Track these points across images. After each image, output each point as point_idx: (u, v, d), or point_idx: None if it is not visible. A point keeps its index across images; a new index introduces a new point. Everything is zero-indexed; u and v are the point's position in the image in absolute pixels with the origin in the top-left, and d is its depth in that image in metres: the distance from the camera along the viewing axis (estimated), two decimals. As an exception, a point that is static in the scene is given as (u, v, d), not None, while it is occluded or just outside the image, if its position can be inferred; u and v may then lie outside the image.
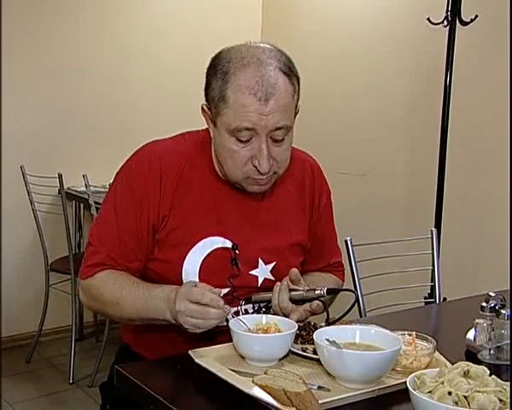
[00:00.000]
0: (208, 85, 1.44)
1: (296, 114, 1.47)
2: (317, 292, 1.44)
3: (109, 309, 1.49)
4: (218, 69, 1.40)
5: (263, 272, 1.54)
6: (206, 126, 1.54)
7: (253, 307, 1.55)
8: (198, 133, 1.57)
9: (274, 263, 1.55)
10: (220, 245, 1.50)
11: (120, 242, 1.48)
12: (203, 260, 1.48)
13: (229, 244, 1.50)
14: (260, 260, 1.53)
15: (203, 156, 1.53)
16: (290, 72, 1.41)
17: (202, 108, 1.48)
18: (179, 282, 1.46)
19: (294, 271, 1.47)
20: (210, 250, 1.49)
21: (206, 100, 1.46)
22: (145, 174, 1.48)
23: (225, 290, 1.49)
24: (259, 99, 1.36)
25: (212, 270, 1.48)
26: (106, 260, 1.47)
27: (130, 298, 1.43)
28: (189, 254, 1.48)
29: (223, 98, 1.39)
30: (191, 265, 1.48)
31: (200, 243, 1.48)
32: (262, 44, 1.44)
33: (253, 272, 1.53)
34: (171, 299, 1.35)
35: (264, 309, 1.54)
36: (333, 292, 1.48)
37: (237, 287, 1.51)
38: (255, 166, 1.41)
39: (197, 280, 1.46)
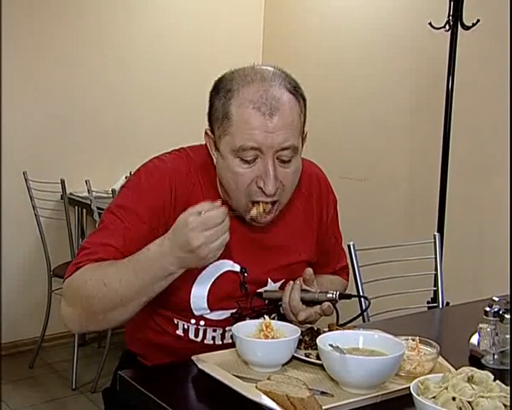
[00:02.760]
0: (211, 107, 1.40)
1: (304, 139, 1.42)
2: (328, 295, 1.43)
3: (94, 298, 1.28)
4: (220, 88, 1.37)
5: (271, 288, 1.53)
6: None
7: (264, 302, 1.52)
8: (202, 150, 1.49)
9: (283, 281, 1.53)
10: (229, 268, 1.47)
11: (120, 251, 1.36)
12: (212, 284, 1.46)
13: (237, 268, 1.47)
14: (269, 280, 1.52)
15: (209, 179, 1.47)
16: (295, 91, 1.37)
17: (206, 133, 1.43)
18: (187, 306, 1.45)
19: (309, 270, 1.45)
20: (219, 274, 1.46)
21: (210, 124, 1.42)
22: (155, 190, 1.40)
23: (233, 310, 1.48)
24: (264, 114, 1.31)
25: (221, 294, 1.46)
26: (99, 260, 1.34)
27: (117, 272, 1.28)
28: (198, 278, 1.44)
29: (226, 116, 1.34)
30: (200, 289, 1.45)
31: (209, 267, 1.43)
32: (266, 66, 1.40)
33: (261, 290, 1.51)
34: (170, 251, 1.23)
35: (273, 305, 1.53)
36: (345, 297, 1.47)
37: (246, 308, 1.50)
38: (260, 188, 1.36)
39: (206, 306, 1.45)
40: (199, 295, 1.45)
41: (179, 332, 1.50)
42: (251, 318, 1.49)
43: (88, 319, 1.34)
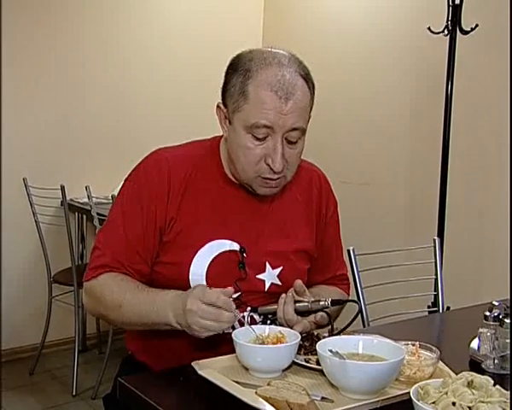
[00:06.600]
0: (227, 83, 1.46)
1: (308, 120, 1.49)
2: (321, 303, 1.44)
3: (111, 313, 1.48)
4: (239, 67, 1.44)
5: (270, 276, 1.55)
6: (212, 136, 1.57)
7: (259, 316, 1.54)
8: (206, 141, 1.60)
9: (281, 268, 1.55)
10: (227, 248, 1.51)
11: (126, 244, 1.49)
12: (210, 263, 1.49)
13: (236, 247, 1.51)
14: (267, 265, 1.54)
15: (212, 160, 1.55)
16: (308, 78, 1.46)
17: (218, 106, 1.50)
18: (187, 285, 1.46)
19: (299, 282, 1.47)
20: (217, 253, 1.50)
21: (223, 98, 1.48)
22: (153, 178, 1.50)
23: (235, 295, 1.49)
24: (280, 98, 1.39)
25: (219, 273, 1.49)
26: (111, 262, 1.48)
27: (133, 302, 1.43)
28: (196, 256, 1.49)
29: (243, 94, 1.41)
30: (198, 267, 1.49)
31: (207, 246, 1.49)
32: (281, 51, 1.48)
33: (260, 276, 1.54)
34: (176, 303, 1.35)
35: (269, 321, 1.54)
36: (337, 303, 1.48)
37: (244, 291, 1.51)
38: (268, 165, 1.43)
39: (205, 283, 1.47)
40: (197, 273, 1.48)
41: None
42: (251, 308, 1.52)
43: (103, 317, 1.56)
